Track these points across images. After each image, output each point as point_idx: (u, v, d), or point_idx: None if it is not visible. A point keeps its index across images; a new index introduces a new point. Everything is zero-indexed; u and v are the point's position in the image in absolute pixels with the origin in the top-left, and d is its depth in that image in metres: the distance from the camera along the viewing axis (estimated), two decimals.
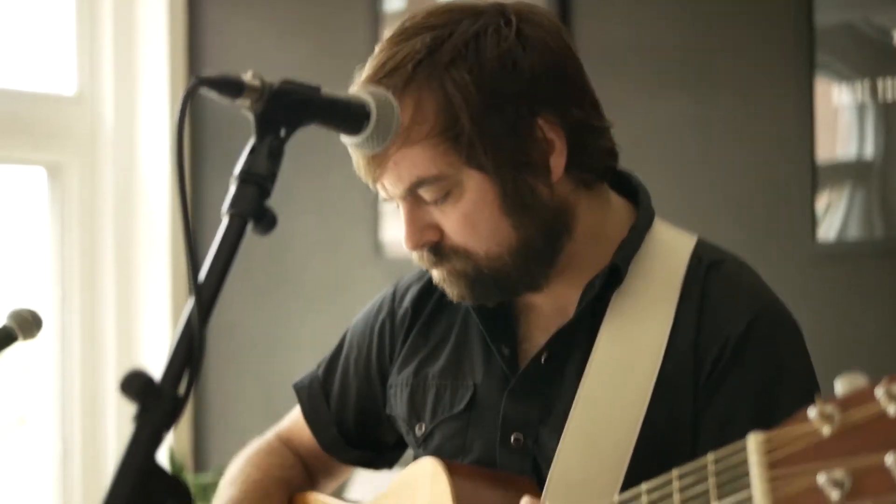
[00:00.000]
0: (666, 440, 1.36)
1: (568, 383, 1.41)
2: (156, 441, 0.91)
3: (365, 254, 3.80)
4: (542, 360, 1.44)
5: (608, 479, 1.34)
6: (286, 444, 1.74)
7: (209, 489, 1.69)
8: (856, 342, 2.78)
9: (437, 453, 1.49)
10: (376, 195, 1.45)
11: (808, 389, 1.35)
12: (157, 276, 4.28)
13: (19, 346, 1.59)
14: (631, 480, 1.30)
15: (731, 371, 1.35)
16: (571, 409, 1.38)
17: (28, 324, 1.57)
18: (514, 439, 1.43)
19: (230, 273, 1.00)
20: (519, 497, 1.30)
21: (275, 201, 1.04)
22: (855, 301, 2.81)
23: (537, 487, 1.37)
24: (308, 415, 1.70)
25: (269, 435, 1.76)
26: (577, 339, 1.43)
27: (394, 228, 1.36)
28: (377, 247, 3.76)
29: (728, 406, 1.34)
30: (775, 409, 1.32)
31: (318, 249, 4.03)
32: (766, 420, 1.30)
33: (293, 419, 1.75)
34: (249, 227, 1.01)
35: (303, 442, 1.72)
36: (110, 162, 4.26)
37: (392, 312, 1.61)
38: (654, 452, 1.35)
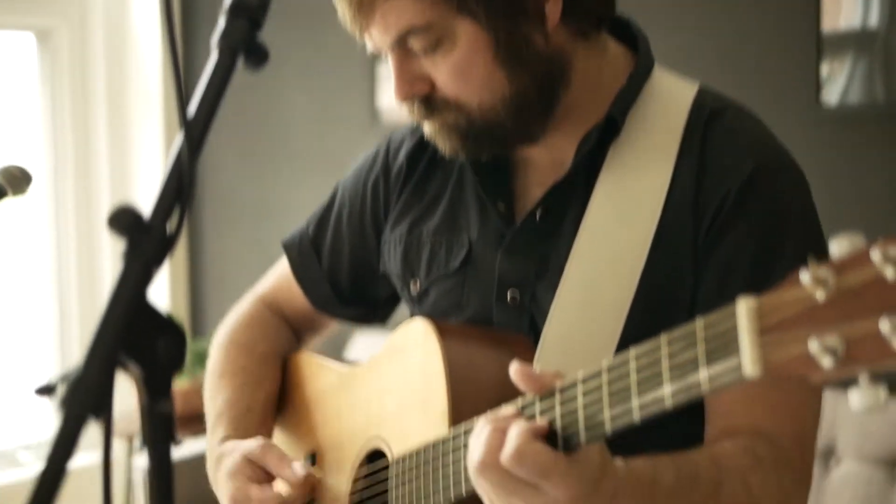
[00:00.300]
0: (664, 296, 1.33)
1: (564, 239, 1.38)
2: (146, 277, 0.89)
3: (361, 120, 3.76)
4: (538, 215, 1.41)
5: (604, 337, 1.32)
6: (269, 306, 1.71)
7: (206, 355, 1.67)
8: (857, 203, 2.78)
9: (433, 311, 1.47)
10: (373, 61, 1.40)
11: (814, 239, 1.33)
12: (149, 136, 4.26)
13: (11, 204, 1.56)
14: (627, 340, 1.27)
15: (733, 222, 1.31)
16: (566, 265, 1.35)
17: (17, 179, 1.54)
18: (511, 297, 1.41)
19: (222, 127, 0.97)
20: (512, 356, 1.27)
21: (269, 68, 1.00)
22: (857, 163, 2.80)
23: (532, 345, 1.36)
24: (298, 272, 1.67)
25: (249, 301, 1.73)
26: (574, 194, 1.39)
27: (391, 93, 1.30)
28: (373, 113, 3.71)
29: (729, 257, 1.30)
30: (779, 259, 1.29)
31: (313, 117, 3.99)
32: (770, 271, 1.28)
33: (279, 277, 1.72)
34: (240, 61, 0.96)
35: (290, 301, 1.70)
36: (100, 24, 4.19)
37: (386, 167, 1.58)
38: (651, 310, 1.32)
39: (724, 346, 0.90)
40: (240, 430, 1.56)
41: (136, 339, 0.89)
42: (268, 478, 1.44)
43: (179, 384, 4.51)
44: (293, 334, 1.72)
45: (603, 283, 1.33)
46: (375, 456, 1.43)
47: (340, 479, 1.49)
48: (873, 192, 2.78)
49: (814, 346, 0.83)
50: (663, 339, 0.96)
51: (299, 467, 1.42)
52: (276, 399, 1.65)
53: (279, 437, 1.65)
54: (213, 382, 1.64)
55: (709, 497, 1.18)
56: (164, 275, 5.25)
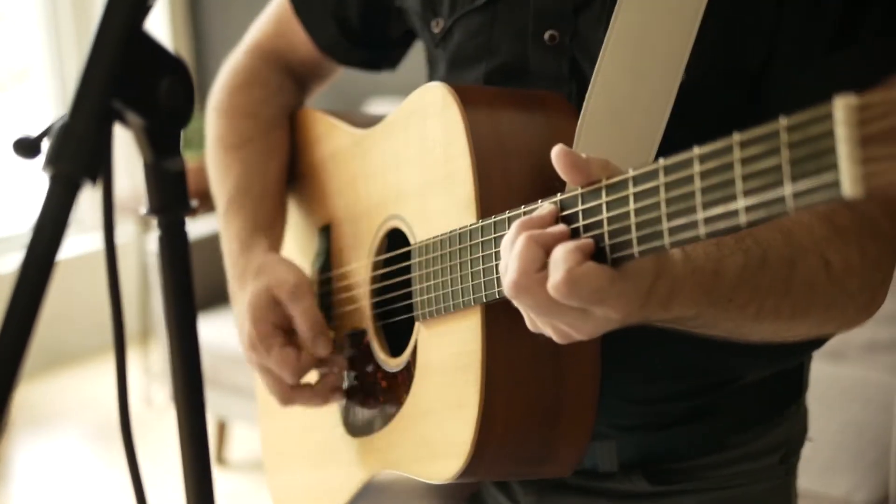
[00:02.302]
0: (734, 35, 1.12)
1: None
2: (141, 3, 0.71)
3: None
4: None
5: (661, 84, 1.09)
6: (268, 58, 1.51)
7: None
8: None
9: (458, 53, 1.28)
10: None
11: None
12: None
13: None
14: (687, 95, 1.08)
15: None
16: None
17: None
18: (549, 36, 1.20)
19: None
20: (549, 121, 1.11)
21: None
22: None
23: (571, 106, 1.16)
24: (300, 9, 1.47)
25: (244, 54, 1.52)
26: None
27: None
28: None
29: None
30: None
31: None
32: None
33: (277, 20, 1.51)
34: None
35: (292, 48, 1.50)
36: None
37: None
38: (716, 56, 1.12)
39: (816, 156, 0.69)
40: (260, 221, 1.42)
41: (134, 81, 0.71)
42: (289, 319, 1.32)
43: (189, 160, 4.37)
44: (297, 87, 1.54)
45: (662, 16, 1.11)
46: (395, 236, 1.28)
47: (359, 261, 1.34)
48: None
49: None
50: (736, 138, 0.76)
51: (322, 342, 1.30)
52: (288, 167, 1.49)
53: (291, 206, 1.50)
54: (218, 156, 1.48)
55: (781, 280, 1.00)
56: (163, 12, 5.05)
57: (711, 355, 1.21)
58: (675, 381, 1.25)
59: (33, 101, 5.18)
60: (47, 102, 5.13)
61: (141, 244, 4.63)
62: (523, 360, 1.09)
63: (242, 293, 1.35)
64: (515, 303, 0.92)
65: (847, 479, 2.55)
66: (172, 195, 0.75)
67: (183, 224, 0.75)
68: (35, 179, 5.04)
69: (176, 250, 0.76)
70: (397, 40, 1.47)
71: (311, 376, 1.36)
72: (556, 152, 0.90)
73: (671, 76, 1.08)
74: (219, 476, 3.89)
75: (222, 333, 3.61)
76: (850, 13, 1.10)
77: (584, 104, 1.09)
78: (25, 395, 4.69)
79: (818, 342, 1.29)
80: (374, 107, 3.45)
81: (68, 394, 4.74)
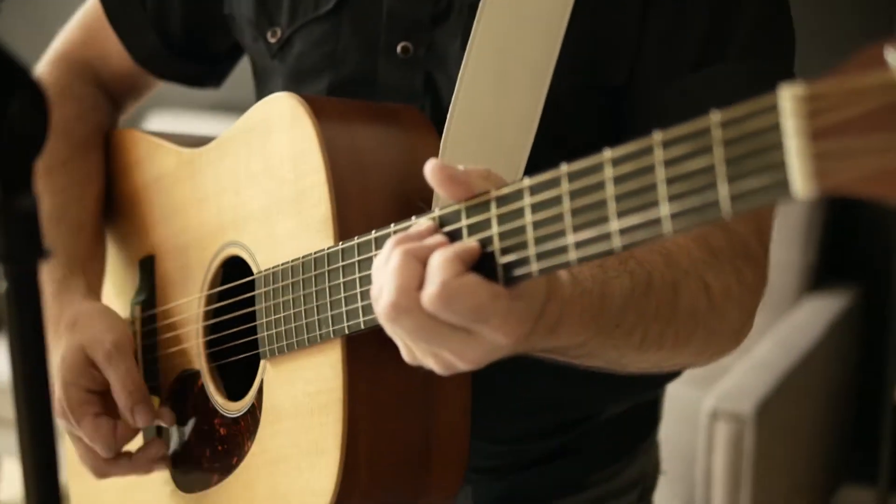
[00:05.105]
0: (598, 47, 1.08)
1: None
2: None
3: None
4: None
5: (526, 103, 1.04)
6: (78, 69, 1.36)
7: None
8: None
9: (298, 66, 1.18)
10: None
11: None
12: None
13: None
14: (556, 105, 1.04)
15: None
16: (481, 3, 1.05)
17: None
18: (402, 48, 1.12)
19: None
20: (404, 131, 1.04)
21: None
22: None
23: (427, 119, 1.08)
24: (114, 16, 1.33)
25: (52, 65, 1.37)
26: None
27: None
28: None
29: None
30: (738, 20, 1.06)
31: None
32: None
33: (87, 27, 1.37)
34: None
35: (104, 59, 1.36)
36: None
37: None
38: (582, 67, 1.07)
39: (758, 153, 0.62)
40: (76, 256, 1.27)
41: None
42: (106, 382, 1.18)
43: None
44: (111, 103, 1.39)
45: (524, 30, 1.05)
46: (232, 266, 1.15)
47: (189, 295, 1.21)
48: None
49: None
50: (657, 139, 0.68)
51: (142, 412, 1.16)
52: (105, 193, 1.34)
53: (108, 238, 1.35)
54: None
55: (665, 303, 0.95)
56: None
57: (572, 389, 1.16)
58: (535, 419, 1.20)
59: None
60: None
61: None
62: (389, 398, 1.00)
63: (56, 345, 1.20)
64: (391, 329, 0.82)
65: (658, 493, 2.59)
66: (23, 239, 0.61)
67: (35, 275, 0.62)
68: None
69: (25, 304, 0.63)
70: (224, 53, 1.35)
71: (132, 442, 1.22)
72: (431, 167, 0.81)
73: (535, 92, 1.03)
74: None
75: None
76: (716, 32, 1.07)
77: (448, 121, 1.02)
78: None
79: (675, 373, 1.25)
80: (155, 121, 3.23)
81: None
